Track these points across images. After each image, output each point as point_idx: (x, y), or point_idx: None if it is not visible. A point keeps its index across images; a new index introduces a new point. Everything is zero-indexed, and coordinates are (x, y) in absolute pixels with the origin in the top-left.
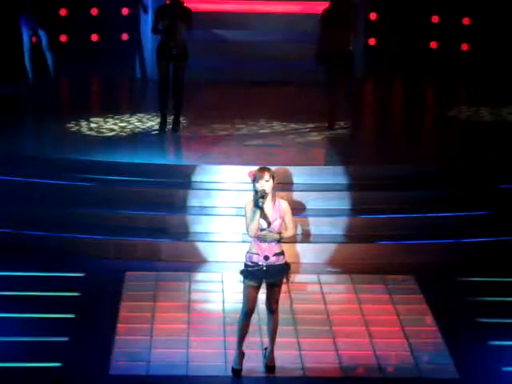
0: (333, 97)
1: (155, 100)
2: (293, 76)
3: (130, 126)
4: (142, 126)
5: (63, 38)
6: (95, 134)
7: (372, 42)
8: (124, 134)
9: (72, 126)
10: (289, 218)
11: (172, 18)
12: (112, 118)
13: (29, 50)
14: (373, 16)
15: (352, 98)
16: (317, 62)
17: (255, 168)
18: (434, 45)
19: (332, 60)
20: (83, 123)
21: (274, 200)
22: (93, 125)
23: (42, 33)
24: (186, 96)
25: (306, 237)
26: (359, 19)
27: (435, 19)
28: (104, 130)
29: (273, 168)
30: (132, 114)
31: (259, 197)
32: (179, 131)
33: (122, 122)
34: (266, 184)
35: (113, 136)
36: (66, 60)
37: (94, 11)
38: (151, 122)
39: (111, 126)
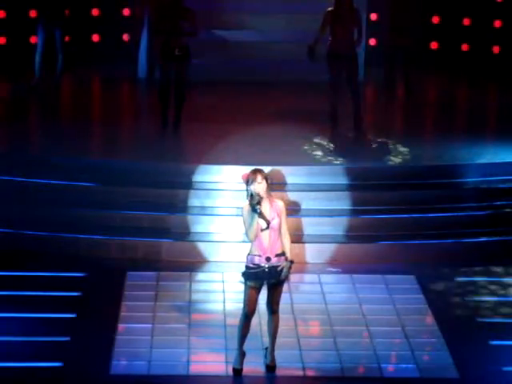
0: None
1: (156, 100)
2: (293, 76)
3: (131, 126)
4: (143, 126)
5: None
6: (96, 134)
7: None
8: (125, 134)
9: (72, 126)
10: (283, 219)
11: (174, 18)
12: (113, 117)
13: (41, 49)
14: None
15: (358, 98)
16: (310, 60)
17: (248, 170)
18: (434, 45)
19: (338, 61)
20: (83, 123)
21: (270, 200)
22: (93, 124)
23: (57, 33)
24: (187, 96)
25: (306, 237)
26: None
27: (436, 19)
28: (105, 130)
29: (273, 168)
30: (132, 113)
31: (256, 203)
32: (180, 131)
33: (123, 122)
34: (258, 186)
35: (113, 136)
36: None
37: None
38: (152, 122)
39: (112, 125)
